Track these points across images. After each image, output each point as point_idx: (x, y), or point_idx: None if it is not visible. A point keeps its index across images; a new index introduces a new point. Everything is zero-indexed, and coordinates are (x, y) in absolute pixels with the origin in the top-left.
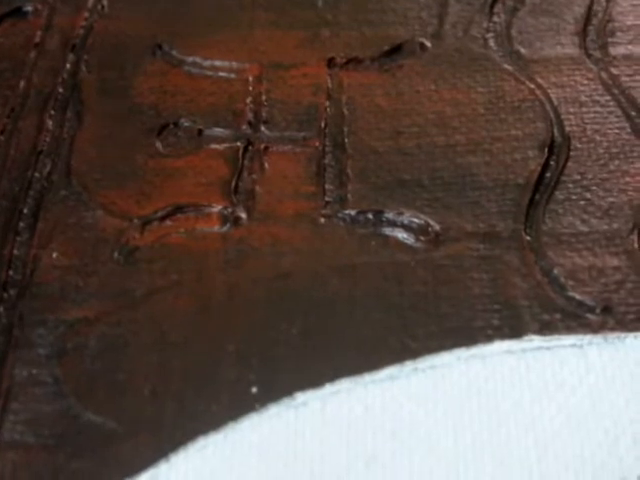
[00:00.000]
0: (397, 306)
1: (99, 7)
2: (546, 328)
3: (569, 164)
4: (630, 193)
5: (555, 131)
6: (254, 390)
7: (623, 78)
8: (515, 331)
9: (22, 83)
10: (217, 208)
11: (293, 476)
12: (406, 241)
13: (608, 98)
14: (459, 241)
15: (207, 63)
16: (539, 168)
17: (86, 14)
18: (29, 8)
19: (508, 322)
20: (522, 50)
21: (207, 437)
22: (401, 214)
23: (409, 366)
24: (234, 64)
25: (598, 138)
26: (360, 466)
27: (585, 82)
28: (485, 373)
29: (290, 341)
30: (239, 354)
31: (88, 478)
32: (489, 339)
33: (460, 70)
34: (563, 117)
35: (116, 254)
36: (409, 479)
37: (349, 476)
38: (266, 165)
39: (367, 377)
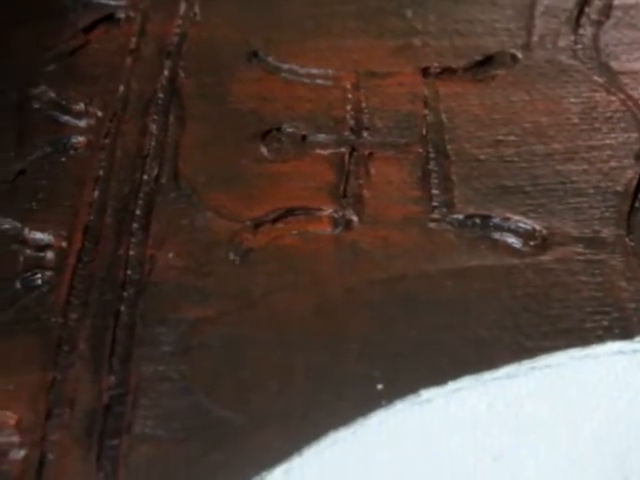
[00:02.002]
0: (510, 308)
1: (191, 14)
2: None
3: None
4: None
5: None
6: (379, 387)
7: None
8: (625, 332)
9: (121, 88)
10: (327, 211)
11: (422, 470)
12: (514, 245)
13: None
14: (565, 245)
15: (303, 70)
16: (637, 176)
17: (179, 21)
18: (121, 15)
19: (617, 324)
20: (610, 62)
21: (337, 432)
22: (507, 219)
23: (526, 365)
24: (329, 72)
25: None
26: (487, 461)
27: None
28: (599, 373)
29: (410, 340)
30: (361, 352)
31: (222, 471)
32: (600, 340)
33: (552, 81)
34: None
35: (231, 255)
36: (535, 474)
37: (477, 471)
38: (372, 170)
39: (487, 375)
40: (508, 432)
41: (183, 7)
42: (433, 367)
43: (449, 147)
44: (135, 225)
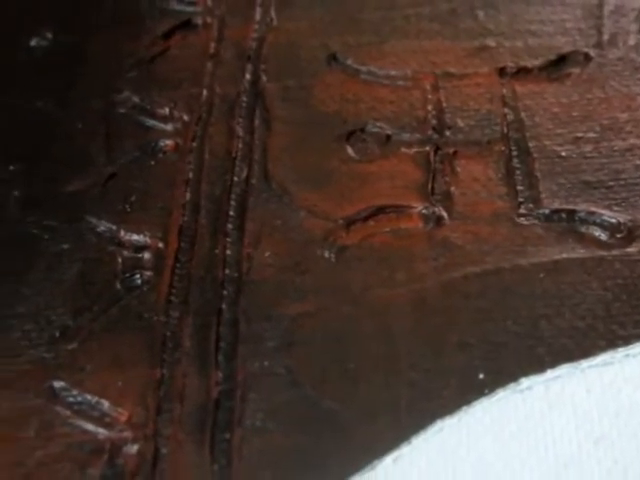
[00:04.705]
0: (601, 298)
1: (268, 19)
2: None
3: None
4: None
5: None
6: (481, 376)
7: None
8: None
9: (205, 92)
10: (417, 208)
11: (528, 453)
12: (600, 238)
13: None
14: None
15: (382, 72)
16: None
17: (255, 26)
18: (198, 21)
19: None
20: None
21: (443, 421)
22: (593, 213)
23: (621, 352)
24: (408, 73)
25: None
26: (590, 445)
27: None
28: None
29: (507, 331)
30: (461, 343)
31: (333, 461)
32: None
33: (625, 78)
34: None
35: (326, 253)
36: (636, 456)
37: (581, 454)
38: (457, 168)
39: (584, 363)
40: (608, 416)
41: (259, 12)
42: (531, 356)
43: (530, 144)
44: (229, 225)
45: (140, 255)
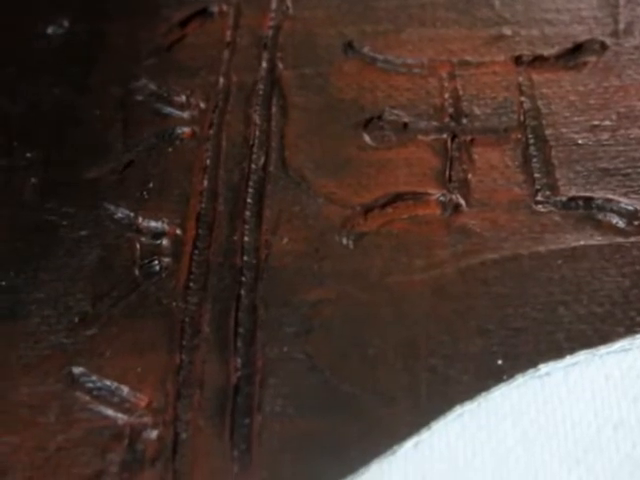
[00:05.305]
0: (619, 285)
1: (284, 8)
2: None
3: None
4: None
5: None
6: (500, 362)
7: None
8: None
9: (221, 80)
10: (435, 195)
11: (547, 438)
12: (618, 225)
13: None
14: None
15: (399, 61)
16: None
17: (272, 15)
18: (215, 9)
19: None
20: None
21: (463, 406)
22: (610, 200)
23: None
24: (425, 61)
25: None
26: (609, 430)
27: None
28: None
29: (526, 317)
30: (480, 329)
31: (353, 446)
32: None
33: None
34: None
35: (345, 239)
36: None
37: (600, 438)
38: (474, 156)
39: (603, 349)
40: (626, 402)
41: (275, 1)
42: (550, 342)
43: (547, 132)
44: (247, 212)
45: (158, 242)
